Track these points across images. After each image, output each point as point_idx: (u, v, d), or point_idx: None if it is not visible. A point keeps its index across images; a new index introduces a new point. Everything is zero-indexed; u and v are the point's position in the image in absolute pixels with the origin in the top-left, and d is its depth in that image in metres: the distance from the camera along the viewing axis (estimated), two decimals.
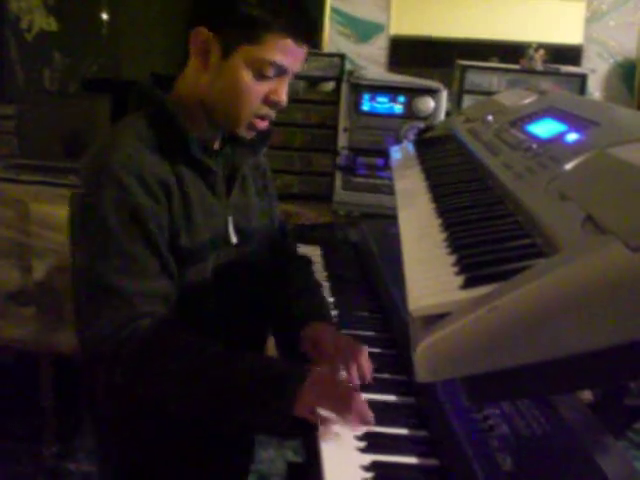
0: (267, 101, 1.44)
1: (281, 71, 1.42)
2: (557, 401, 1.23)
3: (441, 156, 1.66)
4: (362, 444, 1.18)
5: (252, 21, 1.37)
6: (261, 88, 1.41)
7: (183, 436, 1.50)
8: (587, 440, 1.14)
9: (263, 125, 1.48)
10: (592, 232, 0.79)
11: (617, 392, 1.28)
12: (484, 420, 1.19)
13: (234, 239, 1.53)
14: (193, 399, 1.29)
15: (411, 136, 2.49)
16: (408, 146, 2.06)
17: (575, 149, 1.11)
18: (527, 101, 1.72)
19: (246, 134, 1.48)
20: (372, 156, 2.67)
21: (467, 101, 2.71)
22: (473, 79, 2.74)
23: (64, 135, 3.11)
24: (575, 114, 1.35)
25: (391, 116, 2.62)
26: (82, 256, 1.37)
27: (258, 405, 1.23)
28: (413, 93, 2.57)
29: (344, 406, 1.20)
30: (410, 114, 2.59)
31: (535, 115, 1.50)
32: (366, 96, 2.60)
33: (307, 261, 1.81)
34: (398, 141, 2.50)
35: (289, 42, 1.39)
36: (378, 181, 2.65)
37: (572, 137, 1.19)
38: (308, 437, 1.23)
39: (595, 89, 3.08)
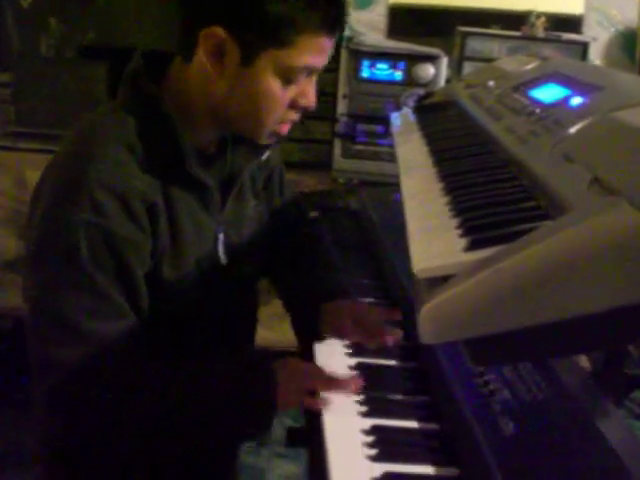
0: (294, 105, 1.24)
1: (311, 73, 1.22)
2: (557, 367, 1.23)
3: (442, 122, 1.65)
4: (363, 408, 1.18)
5: (281, 22, 1.15)
6: (289, 94, 1.21)
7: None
8: (588, 405, 1.14)
9: (286, 130, 1.28)
10: (599, 193, 0.79)
11: (616, 361, 1.28)
12: (485, 385, 1.19)
13: (223, 259, 1.35)
14: (171, 433, 1.20)
15: (411, 103, 2.47)
16: (408, 113, 2.05)
17: (579, 113, 1.10)
18: (529, 67, 1.71)
19: (267, 141, 1.30)
20: (372, 123, 2.65)
21: (467, 68, 2.69)
22: (474, 46, 2.72)
23: (61, 102, 3.08)
24: (578, 79, 1.34)
25: (391, 83, 2.60)
26: (42, 285, 1.16)
27: (242, 420, 1.19)
28: (413, 60, 2.55)
29: (324, 384, 1.19)
30: (410, 81, 2.57)
31: (538, 80, 1.49)
32: (366, 63, 2.58)
33: (320, 235, 1.65)
34: (398, 108, 2.48)
35: (323, 39, 1.18)
36: (378, 148, 2.64)
37: (576, 101, 1.18)
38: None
39: (596, 57, 3.05)
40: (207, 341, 1.34)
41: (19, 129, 3.03)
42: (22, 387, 3.11)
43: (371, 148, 2.65)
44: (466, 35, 2.72)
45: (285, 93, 1.20)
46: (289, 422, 1.52)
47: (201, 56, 1.18)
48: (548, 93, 1.35)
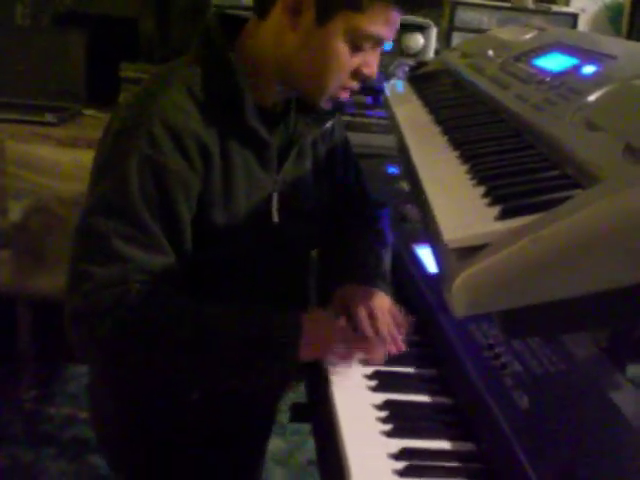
0: (357, 74, 1.28)
1: (378, 43, 1.28)
2: (566, 338, 1.22)
3: (441, 91, 1.62)
4: (372, 383, 1.17)
5: None
6: (354, 61, 1.25)
7: (193, 415, 1.41)
8: (600, 377, 1.13)
9: (345, 96, 1.33)
10: (635, 161, 0.77)
11: (628, 332, 1.27)
12: (495, 358, 1.17)
13: (276, 218, 1.36)
14: (190, 367, 1.20)
15: (400, 73, 2.44)
16: (398, 83, 2.02)
17: (595, 81, 1.08)
18: (528, 36, 1.68)
19: (325, 105, 1.34)
20: (360, 94, 2.61)
21: (456, 39, 2.66)
22: (463, 17, 2.68)
23: (39, 72, 3.00)
24: (585, 48, 1.32)
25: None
26: (91, 206, 1.21)
27: (264, 361, 1.18)
28: (402, 29, 2.50)
29: (350, 341, 1.19)
30: (399, 51, 2.54)
31: (540, 50, 1.47)
32: None
33: (375, 216, 1.64)
34: (387, 78, 2.45)
35: (393, 12, 1.23)
36: (366, 120, 2.60)
37: (589, 70, 1.16)
38: (314, 378, 1.22)
39: (584, 29, 3.04)
40: (252, 299, 1.33)
41: None
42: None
43: (359, 119, 2.61)
44: (455, 5, 2.68)
45: (351, 59, 1.25)
46: (292, 397, 1.51)
47: (278, 12, 1.24)
48: (554, 62, 1.33)
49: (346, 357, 1.21)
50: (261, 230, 1.34)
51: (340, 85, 1.29)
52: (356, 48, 1.24)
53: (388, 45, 2.53)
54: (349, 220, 1.59)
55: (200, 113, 1.23)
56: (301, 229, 1.43)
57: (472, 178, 0.94)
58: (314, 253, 1.59)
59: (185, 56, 1.33)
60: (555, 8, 2.75)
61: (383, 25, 1.24)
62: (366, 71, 1.28)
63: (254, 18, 1.31)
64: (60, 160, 2.64)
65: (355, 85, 1.31)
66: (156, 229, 1.20)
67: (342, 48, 1.23)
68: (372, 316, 1.29)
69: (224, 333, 1.18)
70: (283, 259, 1.40)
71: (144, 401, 1.40)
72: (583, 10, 2.89)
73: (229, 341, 1.17)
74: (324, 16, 1.22)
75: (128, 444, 1.47)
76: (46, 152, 2.66)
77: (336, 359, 1.21)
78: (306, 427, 1.39)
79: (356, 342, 1.23)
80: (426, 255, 1.58)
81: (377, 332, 1.27)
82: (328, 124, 1.47)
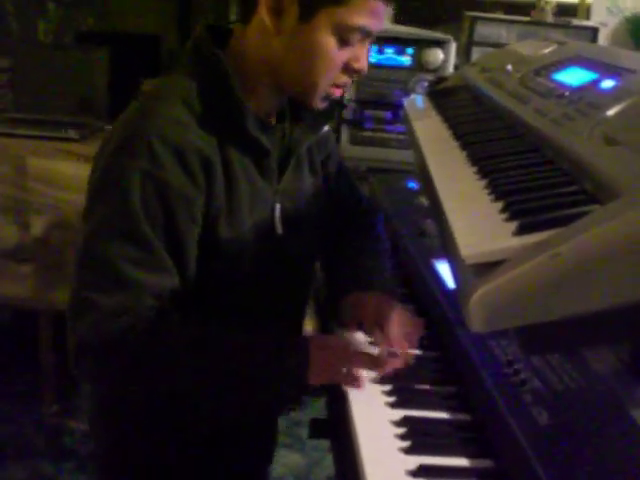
0: (347, 69, 1.25)
1: (366, 36, 1.24)
2: (586, 354, 1.20)
3: (460, 106, 1.62)
4: (391, 399, 1.16)
5: None
6: (343, 55, 1.23)
7: (193, 435, 1.38)
8: (620, 393, 1.12)
9: (339, 93, 1.30)
10: None
11: None
12: (515, 374, 1.16)
13: (279, 229, 1.35)
14: (199, 395, 1.20)
15: (420, 89, 2.44)
16: (417, 98, 2.02)
17: (614, 95, 1.08)
18: (547, 50, 1.68)
19: (320, 105, 1.30)
20: (380, 109, 2.61)
21: (476, 53, 2.66)
22: (482, 31, 2.68)
23: (61, 88, 3.04)
24: (604, 62, 1.32)
25: (399, 68, 2.56)
26: (92, 229, 1.18)
27: (272, 390, 1.17)
28: (421, 45, 2.52)
29: (359, 362, 1.19)
30: (418, 66, 2.54)
31: (560, 64, 1.47)
32: (374, 48, 2.54)
33: (371, 223, 1.63)
34: (406, 93, 2.45)
35: (378, 3, 1.21)
36: (386, 135, 2.60)
37: (608, 84, 1.16)
38: (333, 393, 1.21)
39: (603, 43, 3.03)
40: (255, 312, 1.33)
41: (17, 115, 2.98)
42: (19, 379, 3.08)
43: (379, 134, 2.61)
44: (474, 20, 2.68)
45: (340, 53, 1.23)
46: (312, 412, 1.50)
47: (261, 14, 1.22)
48: (573, 76, 1.33)
49: (356, 380, 1.19)
50: (265, 242, 1.32)
51: (332, 82, 1.26)
52: (343, 42, 1.22)
53: (407, 60, 2.55)
54: (347, 230, 1.58)
55: (199, 125, 1.21)
56: (303, 240, 1.42)
57: (490, 193, 0.94)
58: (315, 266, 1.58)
59: (176, 70, 1.31)
60: (575, 22, 2.75)
61: (368, 16, 1.21)
62: (356, 65, 1.26)
63: (239, 25, 1.30)
64: (81, 175, 2.64)
65: (347, 80, 1.28)
66: (162, 249, 1.18)
67: (329, 44, 1.21)
68: (384, 329, 1.29)
69: (234, 362, 1.17)
70: (286, 271, 1.39)
71: (144, 433, 1.39)
72: (603, 24, 2.88)
73: (239, 370, 1.16)
74: (307, 13, 1.20)
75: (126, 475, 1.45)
76: (67, 168, 2.68)
77: (346, 382, 1.19)
78: (325, 443, 1.38)
79: (364, 364, 1.21)
80: (445, 270, 1.57)
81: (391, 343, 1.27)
82: (324, 129, 1.45)
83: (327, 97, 1.29)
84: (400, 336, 1.29)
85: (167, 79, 1.29)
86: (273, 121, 1.37)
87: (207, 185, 1.22)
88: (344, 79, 1.27)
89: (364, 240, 1.55)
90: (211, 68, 1.25)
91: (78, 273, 1.18)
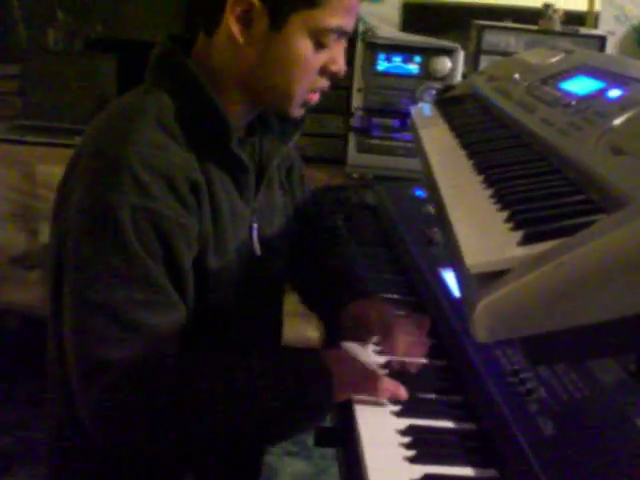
0: (324, 72, 1.21)
1: (341, 36, 1.20)
2: (592, 364, 1.20)
3: (467, 114, 1.63)
4: (396, 408, 1.15)
5: None
6: (319, 58, 1.18)
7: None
8: (626, 403, 1.12)
9: (315, 99, 1.25)
10: None
11: None
12: (521, 384, 1.16)
13: (258, 250, 1.30)
14: (229, 433, 1.13)
15: (427, 97, 2.44)
16: (425, 107, 2.02)
17: (621, 105, 1.07)
18: (554, 59, 1.68)
19: (298, 113, 1.25)
20: (387, 117, 2.61)
21: (484, 62, 2.66)
22: (490, 39, 2.68)
23: (69, 95, 3.05)
24: (611, 71, 1.32)
25: (407, 76, 2.56)
26: (87, 275, 1.08)
27: (300, 417, 1.14)
28: (429, 53, 2.52)
29: (371, 385, 1.17)
30: (426, 74, 2.53)
31: (567, 73, 1.47)
32: (381, 56, 2.54)
33: (339, 232, 1.62)
34: (414, 102, 2.45)
35: (351, 0, 1.17)
36: (393, 143, 2.60)
37: (615, 93, 1.16)
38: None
39: (611, 52, 3.02)
40: (237, 337, 1.28)
41: (26, 122, 2.99)
42: (27, 385, 3.09)
43: (386, 143, 2.61)
44: (482, 29, 2.68)
45: (316, 57, 1.18)
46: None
47: (228, 25, 1.15)
48: (580, 85, 1.33)
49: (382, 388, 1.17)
50: (246, 265, 1.26)
51: (310, 88, 1.21)
52: (319, 45, 1.17)
53: (415, 69, 2.55)
54: (314, 238, 1.55)
55: (178, 145, 1.14)
56: (279, 259, 1.38)
57: (496, 202, 0.94)
58: None
59: (140, 86, 1.23)
60: (583, 30, 2.74)
61: (342, 16, 1.16)
62: (334, 68, 1.21)
63: (202, 37, 1.23)
64: None
65: (324, 84, 1.24)
66: (168, 285, 1.11)
67: (305, 47, 1.16)
68: (391, 340, 1.29)
69: (260, 403, 1.11)
70: (265, 292, 1.35)
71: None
72: (611, 32, 2.88)
73: (266, 410, 1.11)
74: (279, 20, 1.14)
75: None
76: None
77: (367, 394, 1.17)
78: (332, 451, 1.38)
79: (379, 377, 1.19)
80: (452, 279, 1.58)
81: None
82: (294, 138, 1.38)
83: (305, 104, 1.25)
84: (408, 346, 1.29)
85: (134, 96, 1.22)
86: (242, 134, 1.30)
87: (198, 209, 1.16)
88: (322, 83, 1.23)
89: (339, 247, 1.54)
90: (182, 79, 1.19)
91: (79, 329, 1.08)
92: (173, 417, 1.08)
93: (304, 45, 1.16)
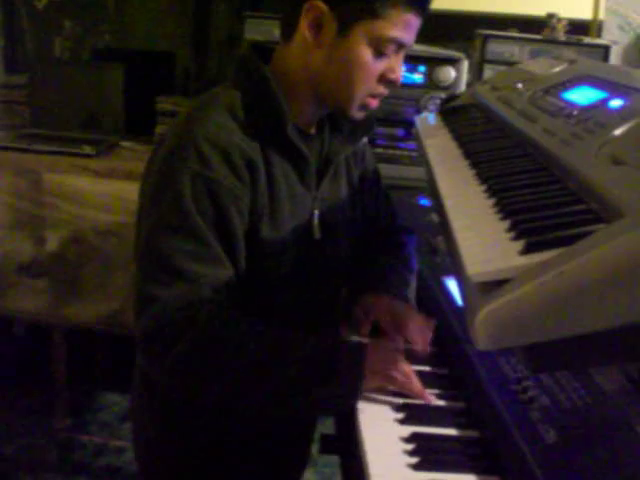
0: (383, 79, 1.34)
1: (400, 47, 1.33)
2: (595, 372, 1.21)
3: (471, 124, 1.63)
4: (400, 415, 1.16)
5: None
6: (379, 66, 1.32)
7: (233, 432, 1.44)
8: (628, 411, 1.12)
9: (375, 104, 1.38)
10: None
11: None
12: (523, 392, 1.17)
13: (318, 235, 1.42)
14: (256, 392, 1.21)
15: (432, 106, 2.45)
16: (429, 116, 2.03)
17: (622, 115, 1.08)
18: (557, 69, 1.69)
19: (357, 115, 1.39)
20: (392, 126, 2.62)
21: (488, 71, 2.67)
22: (494, 49, 2.69)
23: (76, 105, 3.07)
24: (613, 81, 1.33)
25: (411, 86, 2.58)
26: (149, 229, 1.26)
27: (328, 389, 1.18)
28: (434, 62, 2.53)
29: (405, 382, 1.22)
30: (431, 84, 2.55)
31: (570, 83, 1.48)
32: None
33: (402, 243, 1.68)
34: (418, 111, 2.47)
35: (411, 16, 1.30)
36: (398, 152, 2.61)
37: (616, 103, 1.17)
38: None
39: (615, 61, 3.03)
40: (292, 312, 1.39)
41: (34, 131, 3.01)
42: (32, 393, 3.10)
43: (391, 151, 2.62)
44: (487, 38, 2.69)
45: (376, 64, 1.31)
46: (320, 427, 1.51)
47: (302, 30, 1.31)
48: (583, 95, 1.34)
49: (407, 384, 1.22)
50: (304, 245, 1.39)
51: (369, 92, 1.34)
52: (379, 54, 1.30)
53: (419, 78, 2.56)
54: (377, 244, 1.63)
55: (242, 131, 1.29)
56: (339, 245, 1.48)
57: (497, 212, 0.95)
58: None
59: (222, 84, 1.40)
60: (587, 40, 2.75)
61: (402, 29, 1.29)
62: (391, 76, 1.34)
63: (281, 44, 1.38)
64: (97, 191, 2.69)
65: (383, 91, 1.36)
66: (216, 243, 1.24)
67: (366, 55, 1.29)
68: (402, 330, 1.35)
69: (292, 357, 1.19)
70: (322, 274, 1.44)
71: (189, 428, 1.44)
72: (615, 42, 2.88)
73: (297, 365, 1.19)
74: (345, 28, 1.28)
75: (168, 469, 1.50)
76: (83, 183, 2.71)
77: (397, 386, 1.22)
78: (337, 459, 1.39)
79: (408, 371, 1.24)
80: (456, 288, 1.58)
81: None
82: (362, 140, 1.53)
83: (364, 107, 1.37)
84: (420, 338, 1.35)
85: (214, 91, 1.38)
86: (313, 131, 1.44)
87: (252, 184, 1.29)
88: (380, 89, 1.35)
89: (392, 258, 1.60)
90: (255, 80, 1.35)
91: (139, 270, 1.25)
92: (210, 356, 1.19)
93: (365, 52, 1.29)
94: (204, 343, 1.19)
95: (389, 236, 1.67)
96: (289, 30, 1.35)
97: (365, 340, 1.30)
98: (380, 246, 1.63)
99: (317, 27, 1.30)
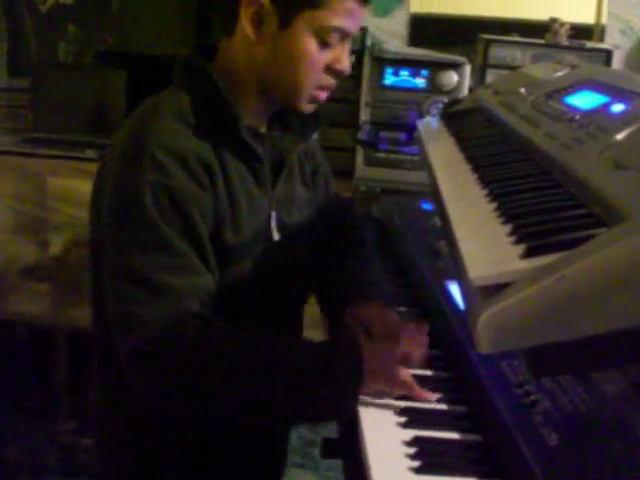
0: (330, 70, 1.32)
1: (344, 36, 1.31)
2: (597, 376, 1.21)
3: (474, 128, 1.64)
4: (402, 419, 1.16)
5: None
6: (324, 57, 1.30)
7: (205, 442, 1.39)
8: (630, 415, 1.12)
9: (324, 96, 1.36)
10: None
11: None
12: (525, 395, 1.17)
13: (276, 236, 1.41)
14: (259, 403, 1.19)
15: (434, 111, 2.45)
16: (432, 121, 2.04)
17: (624, 119, 1.09)
18: (560, 74, 1.69)
19: (307, 109, 1.37)
20: (394, 131, 2.63)
21: (490, 76, 2.67)
22: (497, 53, 2.69)
23: (79, 108, 3.07)
24: (615, 86, 1.33)
25: (414, 90, 2.58)
26: (117, 248, 1.23)
27: (328, 389, 1.17)
28: (436, 67, 2.54)
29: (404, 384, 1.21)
30: (433, 88, 2.55)
31: (572, 87, 1.48)
32: (389, 70, 2.56)
33: (361, 239, 1.67)
34: (421, 115, 2.47)
35: (352, 4, 1.27)
36: (401, 156, 2.61)
37: (617, 108, 1.17)
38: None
39: (617, 65, 3.03)
40: (256, 316, 1.36)
41: (37, 135, 3.02)
42: (35, 396, 3.10)
43: (393, 156, 2.63)
44: (489, 43, 2.70)
45: (321, 55, 1.29)
46: (323, 431, 1.51)
47: (243, 26, 1.28)
48: (584, 100, 1.34)
49: (409, 386, 1.21)
50: (263, 248, 1.37)
51: (316, 84, 1.32)
52: (323, 44, 1.29)
53: (422, 82, 2.56)
54: (340, 247, 1.61)
55: (194, 134, 1.27)
56: (298, 247, 1.46)
57: (499, 216, 0.95)
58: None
59: (168, 87, 1.37)
60: (589, 44, 2.76)
61: (344, 17, 1.27)
62: (338, 66, 1.32)
63: (222, 43, 1.36)
64: None
65: (331, 82, 1.34)
66: (190, 252, 1.22)
67: (310, 47, 1.28)
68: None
69: (288, 364, 1.18)
70: (284, 277, 1.43)
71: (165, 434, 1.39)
72: (617, 46, 2.88)
73: (297, 371, 1.18)
74: (286, 20, 1.27)
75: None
76: (86, 187, 2.70)
77: (399, 389, 1.21)
78: (339, 462, 1.39)
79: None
80: (458, 291, 1.58)
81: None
82: (312, 137, 1.51)
83: (314, 100, 1.36)
84: (415, 341, 1.32)
85: (160, 96, 1.35)
86: (263, 130, 1.42)
87: (211, 188, 1.27)
88: (328, 81, 1.34)
89: (358, 250, 1.59)
90: (200, 81, 1.32)
91: (113, 291, 1.22)
92: (200, 369, 1.17)
93: (309, 43, 1.28)
94: (200, 361, 1.18)
95: (348, 232, 1.66)
96: (229, 24, 1.32)
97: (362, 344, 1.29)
98: (345, 249, 1.61)
99: (257, 21, 1.28)
